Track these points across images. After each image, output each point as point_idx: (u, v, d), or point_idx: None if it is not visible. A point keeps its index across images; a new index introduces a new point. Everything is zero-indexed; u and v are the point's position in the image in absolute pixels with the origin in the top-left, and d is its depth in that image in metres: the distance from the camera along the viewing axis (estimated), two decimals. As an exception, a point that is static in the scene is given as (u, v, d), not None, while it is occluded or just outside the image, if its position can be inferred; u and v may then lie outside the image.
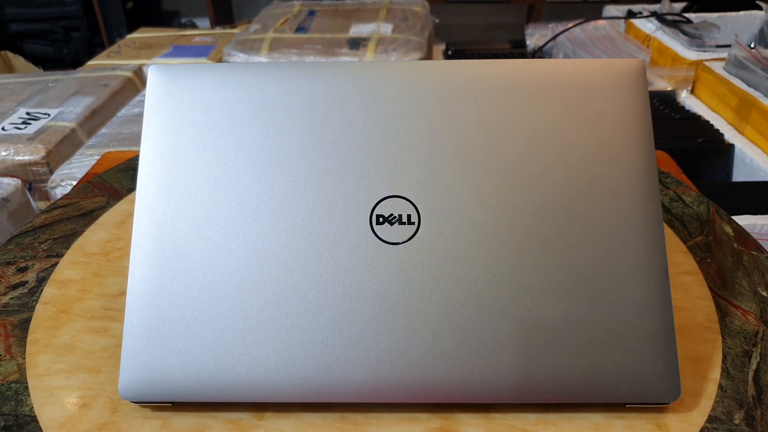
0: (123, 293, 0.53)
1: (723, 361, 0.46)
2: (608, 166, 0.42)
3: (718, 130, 1.12)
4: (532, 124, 0.43)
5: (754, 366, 0.45)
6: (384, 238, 0.41)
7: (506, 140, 0.42)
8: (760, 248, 0.58)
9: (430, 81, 0.43)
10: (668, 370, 0.41)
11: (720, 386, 0.44)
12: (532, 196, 0.42)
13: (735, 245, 0.58)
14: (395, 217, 0.42)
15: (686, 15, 1.42)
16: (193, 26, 2.75)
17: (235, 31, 1.79)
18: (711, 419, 0.41)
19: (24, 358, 0.46)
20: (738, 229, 0.61)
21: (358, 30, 1.54)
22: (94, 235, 0.61)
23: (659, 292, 0.41)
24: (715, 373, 0.45)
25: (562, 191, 0.42)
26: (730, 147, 1.08)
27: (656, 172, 0.42)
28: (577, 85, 0.43)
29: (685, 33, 1.34)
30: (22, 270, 0.56)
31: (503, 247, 0.41)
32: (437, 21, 1.70)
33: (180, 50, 1.64)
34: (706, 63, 1.23)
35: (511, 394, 0.41)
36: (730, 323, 0.49)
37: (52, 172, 1.05)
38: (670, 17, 1.43)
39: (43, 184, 1.06)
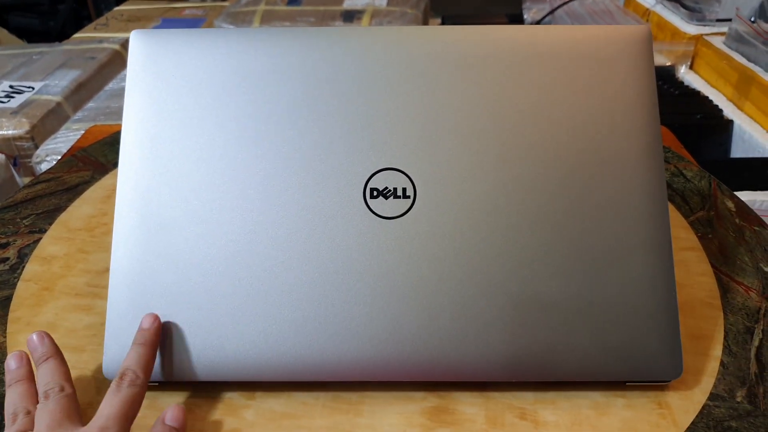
0: (108, 270, 0.51)
1: (725, 338, 0.45)
2: (612, 137, 0.40)
3: (717, 105, 1.10)
4: (533, 93, 0.41)
5: (756, 343, 0.44)
6: (378, 213, 0.40)
7: (505, 110, 0.41)
8: (762, 224, 0.57)
9: (428, 47, 0.41)
10: (670, 348, 0.39)
11: (722, 363, 0.43)
12: (532, 169, 0.40)
13: (737, 220, 0.57)
14: (390, 190, 0.40)
15: (686, -12, 1.40)
16: (183, -1, 2.69)
17: (226, 3, 1.75)
18: (713, 397, 0.40)
19: (5, 337, 0.45)
20: (740, 204, 0.59)
21: (352, 2, 1.51)
22: (78, 210, 0.59)
23: (662, 269, 0.40)
24: (717, 351, 0.44)
25: (562, 164, 0.40)
26: (729, 123, 1.06)
27: (661, 144, 0.41)
28: (580, 52, 0.41)
29: (685, 6, 1.32)
30: (3, 246, 0.54)
31: (501, 222, 0.40)
32: (432, -6, 1.67)
33: (169, 23, 1.60)
34: (706, 37, 1.21)
35: (509, 372, 0.39)
36: (732, 299, 0.48)
37: (37, 147, 1.02)
38: (669, -10, 1.40)
39: (28, 160, 1.03)
